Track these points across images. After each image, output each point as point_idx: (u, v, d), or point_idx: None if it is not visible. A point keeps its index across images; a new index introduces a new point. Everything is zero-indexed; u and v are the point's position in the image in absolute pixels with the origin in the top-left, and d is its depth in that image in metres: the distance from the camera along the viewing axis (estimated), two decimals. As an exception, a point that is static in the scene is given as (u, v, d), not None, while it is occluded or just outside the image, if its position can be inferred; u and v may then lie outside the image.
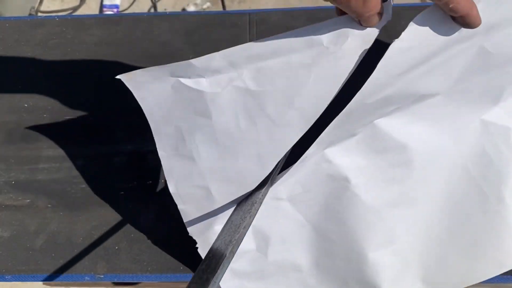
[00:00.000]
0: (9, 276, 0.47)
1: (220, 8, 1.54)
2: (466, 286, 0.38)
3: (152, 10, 1.54)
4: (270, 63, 0.37)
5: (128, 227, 0.49)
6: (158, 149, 0.43)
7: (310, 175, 0.37)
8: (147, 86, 0.43)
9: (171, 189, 0.42)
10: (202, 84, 0.39)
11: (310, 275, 0.39)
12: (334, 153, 0.36)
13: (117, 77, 0.44)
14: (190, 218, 0.42)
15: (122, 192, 0.52)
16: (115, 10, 1.55)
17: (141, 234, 0.49)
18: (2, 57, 0.63)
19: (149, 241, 0.48)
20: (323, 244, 0.38)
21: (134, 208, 0.50)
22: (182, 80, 0.40)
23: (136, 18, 0.66)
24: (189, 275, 0.46)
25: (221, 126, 0.38)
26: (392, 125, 0.34)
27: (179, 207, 0.42)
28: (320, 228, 0.38)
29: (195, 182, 0.40)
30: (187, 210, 0.42)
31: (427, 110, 0.34)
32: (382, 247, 0.36)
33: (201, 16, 0.65)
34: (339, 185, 0.36)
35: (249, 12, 0.64)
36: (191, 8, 1.53)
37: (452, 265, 0.37)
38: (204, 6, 1.55)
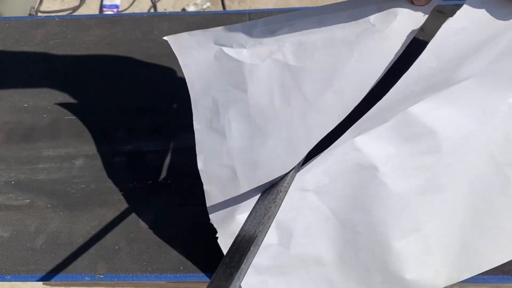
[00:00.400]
0: (9, 276, 0.47)
1: (220, 8, 1.54)
2: (489, 268, 0.37)
3: (152, 10, 1.55)
4: (312, 38, 0.35)
5: (128, 227, 0.49)
6: (194, 121, 0.42)
7: (338, 165, 0.34)
8: (191, 53, 0.41)
9: (200, 165, 0.41)
10: (243, 54, 0.38)
11: (333, 269, 0.37)
12: (363, 141, 0.33)
13: (164, 38, 0.44)
14: (214, 203, 0.40)
15: (122, 192, 0.52)
16: (115, 10, 1.55)
17: (141, 234, 0.49)
18: (2, 57, 0.63)
19: (149, 241, 0.48)
20: (347, 237, 0.36)
21: (134, 208, 0.50)
22: (225, 49, 0.39)
23: (136, 18, 0.66)
24: (189, 275, 0.46)
25: (255, 102, 0.37)
26: (422, 110, 0.32)
27: (204, 187, 0.40)
28: (345, 221, 0.36)
29: (223, 161, 0.38)
30: (211, 192, 0.40)
31: (457, 93, 0.32)
32: (407, 235, 0.34)
33: (201, 16, 0.65)
34: (367, 174, 0.34)
35: (249, 12, 0.64)
36: (191, 8, 1.53)
37: (475, 249, 0.36)
38: (204, 6, 1.55)
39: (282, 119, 0.35)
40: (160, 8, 1.56)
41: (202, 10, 1.54)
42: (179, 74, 0.60)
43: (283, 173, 0.35)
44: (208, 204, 0.40)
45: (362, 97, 0.33)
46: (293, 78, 0.35)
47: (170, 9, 1.56)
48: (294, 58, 0.36)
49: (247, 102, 0.37)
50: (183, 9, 1.54)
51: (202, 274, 0.46)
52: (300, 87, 0.35)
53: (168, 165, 0.53)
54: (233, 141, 0.37)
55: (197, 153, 0.41)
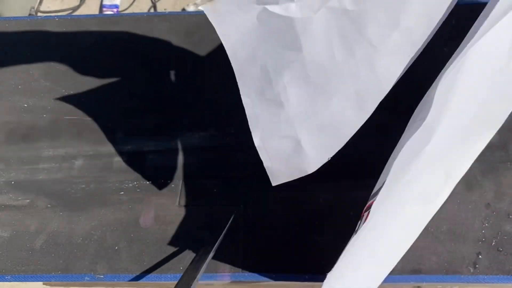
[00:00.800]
0: (9, 276, 0.47)
1: (220, 8, 1.53)
2: None
3: (152, 10, 1.54)
4: None
5: (128, 227, 0.49)
6: (242, 96, 0.38)
7: None
8: (230, 19, 0.38)
9: (256, 142, 0.37)
10: (292, 9, 0.34)
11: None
12: None
13: (200, 8, 0.40)
14: (279, 181, 0.37)
15: (122, 192, 0.51)
16: (115, 10, 1.55)
17: (141, 234, 0.49)
18: (2, 57, 0.63)
19: (149, 241, 0.48)
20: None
21: (134, 208, 0.50)
22: (269, 7, 0.35)
23: (136, 18, 0.66)
24: (189, 275, 0.46)
25: (313, 60, 0.33)
26: None
27: (265, 164, 0.37)
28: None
29: (282, 132, 0.35)
30: (274, 169, 0.37)
31: None
32: None
33: (201, 16, 0.65)
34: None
35: (249, 12, 0.64)
36: (191, 8, 1.53)
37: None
38: (204, 6, 1.55)
39: (346, 73, 0.32)
40: (160, 8, 1.56)
41: (202, 10, 1.53)
42: (179, 74, 0.60)
43: (353, 132, 0.33)
44: (273, 182, 0.38)
45: (430, 31, 0.30)
46: (354, 24, 0.31)
47: (170, 9, 1.56)
48: (351, 2, 0.32)
49: (303, 63, 0.34)
50: (183, 9, 1.54)
51: (201, 274, 0.46)
52: (363, 33, 0.31)
53: (168, 165, 0.53)
54: (292, 108, 0.34)
55: (251, 129, 0.37)
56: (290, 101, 0.35)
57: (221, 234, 0.43)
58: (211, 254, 0.41)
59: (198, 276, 0.37)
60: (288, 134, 0.35)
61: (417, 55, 0.31)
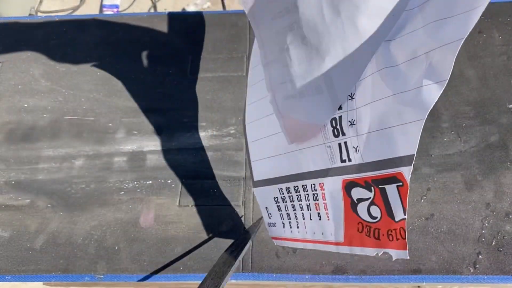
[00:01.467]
0: (9, 276, 0.47)
1: (220, 8, 1.53)
2: None
3: (152, 10, 1.54)
4: None
5: (128, 227, 0.49)
6: (260, 57, 0.39)
7: None
8: None
9: (270, 99, 0.39)
10: None
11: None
12: None
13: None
14: (295, 141, 0.38)
15: (122, 192, 0.52)
16: (115, 10, 1.55)
17: (141, 234, 0.49)
18: (2, 57, 0.63)
19: (149, 241, 0.48)
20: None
21: (134, 208, 0.50)
22: None
23: (136, 18, 0.66)
24: (189, 275, 0.46)
25: (307, 20, 0.34)
26: None
27: (280, 124, 0.38)
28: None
29: (289, 91, 0.36)
30: (287, 127, 0.38)
31: None
32: None
33: (201, 16, 0.65)
34: None
35: (249, 12, 0.64)
36: (191, 8, 1.53)
37: None
38: (204, 6, 1.55)
39: (334, 33, 0.32)
40: (160, 8, 1.56)
41: (202, 10, 1.54)
42: (179, 74, 0.60)
43: (346, 94, 0.33)
44: (289, 142, 0.39)
45: None
46: None
47: (170, 9, 1.56)
48: None
49: (300, 24, 0.34)
50: (183, 9, 1.54)
51: (202, 274, 0.46)
52: None
53: (168, 165, 0.53)
54: (294, 69, 0.35)
55: (267, 90, 0.39)
56: (292, 61, 0.35)
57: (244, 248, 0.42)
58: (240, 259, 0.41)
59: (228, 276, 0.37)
60: (293, 94, 0.36)
61: (406, 21, 0.30)
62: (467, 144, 0.51)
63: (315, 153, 0.36)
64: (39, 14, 1.52)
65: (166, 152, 0.54)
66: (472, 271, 0.44)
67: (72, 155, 0.55)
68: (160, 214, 0.50)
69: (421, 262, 0.45)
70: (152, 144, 0.55)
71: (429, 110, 0.26)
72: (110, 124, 0.56)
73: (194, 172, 0.53)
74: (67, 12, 1.55)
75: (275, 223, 0.43)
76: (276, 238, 0.44)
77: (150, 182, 0.52)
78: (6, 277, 0.47)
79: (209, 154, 0.54)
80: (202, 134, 0.55)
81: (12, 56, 0.63)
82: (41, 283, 0.51)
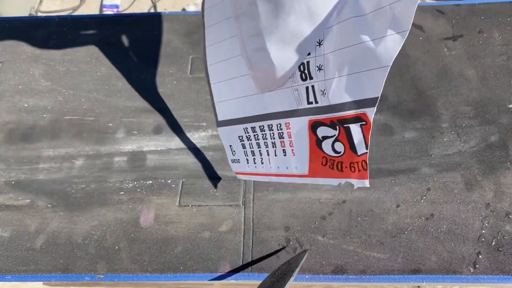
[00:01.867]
0: (9, 276, 0.47)
1: (220, 8, 1.53)
2: None
3: (152, 10, 1.54)
4: None
5: (128, 227, 0.49)
6: (231, 8, 0.41)
7: None
8: None
9: (242, 53, 0.40)
10: None
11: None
12: None
13: None
14: (262, 91, 0.40)
15: (122, 192, 0.52)
16: (115, 10, 1.55)
17: (141, 234, 0.49)
18: (2, 57, 0.63)
19: (149, 241, 0.48)
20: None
21: (134, 208, 0.50)
22: None
23: (136, 18, 0.66)
24: (189, 275, 0.46)
25: None
26: None
27: (250, 74, 0.40)
28: None
29: (258, 44, 0.38)
30: (256, 78, 0.40)
31: None
32: None
33: (201, 16, 0.64)
34: None
35: (249, 12, 0.64)
36: (191, 8, 1.53)
37: None
38: (204, 6, 1.54)
39: None
40: (160, 8, 1.56)
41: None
42: (179, 74, 0.60)
43: (312, 46, 0.35)
44: (258, 91, 0.40)
45: None
46: None
47: (170, 9, 1.56)
48: None
49: None
50: (183, 9, 1.54)
51: (202, 274, 0.46)
52: None
53: (168, 165, 0.53)
54: (262, 22, 0.37)
55: (239, 41, 0.41)
56: (260, 15, 0.37)
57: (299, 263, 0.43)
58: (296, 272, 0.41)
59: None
60: (261, 46, 0.38)
61: None
62: (467, 144, 0.51)
63: (282, 96, 0.38)
64: (39, 14, 1.52)
65: (166, 152, 0.54)
66: (472, 271, 0.44)
67: (72, 155, 0.55)
68: (160, 214, 0.50)
69: (421, 262, 0.45)
70: (152, 144, 0.55)
71: (394, 58, 0.29)
72: (110, 124, 0.56)
73: (194, 172, 0.53)
74: (67, 12, 1.55)
75: (239, 159, 0.45)
76: (239, 173, 0.46)
77: (150, 182, 0.52)
78: (6, 277, 0.47)
79: (209, 154, 0.54)
80: (202, 134, 0.55)
81: (12, 56, 0.63)
82: (41, 283, 0.51)
